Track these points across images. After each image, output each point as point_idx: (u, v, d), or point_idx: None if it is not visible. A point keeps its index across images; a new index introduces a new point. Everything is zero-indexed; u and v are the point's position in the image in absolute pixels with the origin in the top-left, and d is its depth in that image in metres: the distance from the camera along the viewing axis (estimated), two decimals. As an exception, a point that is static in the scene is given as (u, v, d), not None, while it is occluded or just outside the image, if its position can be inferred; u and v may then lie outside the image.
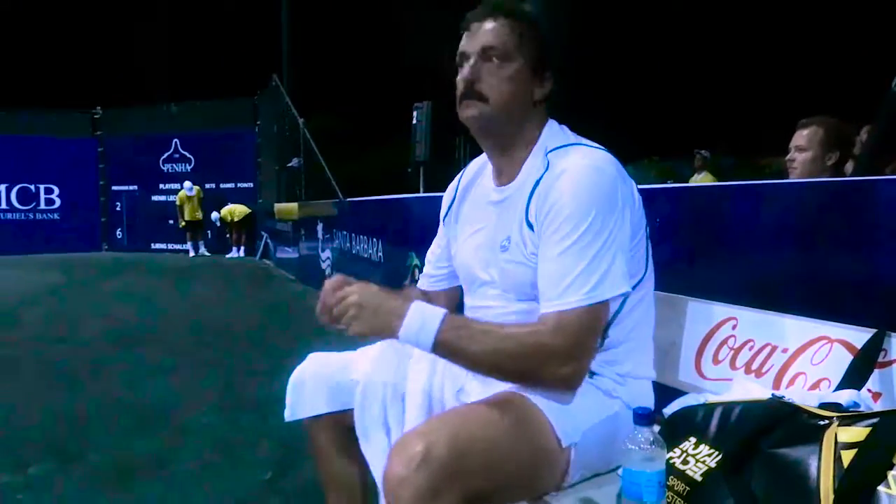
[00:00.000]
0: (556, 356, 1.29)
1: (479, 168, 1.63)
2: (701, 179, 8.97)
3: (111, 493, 2.68)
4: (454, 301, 1.77)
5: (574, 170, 1.36)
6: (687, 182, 8.79)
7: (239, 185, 15.18)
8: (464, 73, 1.44)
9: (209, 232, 15.45)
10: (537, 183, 1.40)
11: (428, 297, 1.73)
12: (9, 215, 16.49)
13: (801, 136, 2.68)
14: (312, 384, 1.67)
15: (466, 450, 1.21)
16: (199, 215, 15.04)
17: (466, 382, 1.51)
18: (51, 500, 2.62)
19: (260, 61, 16.37)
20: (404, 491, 1.17)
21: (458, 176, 1.70)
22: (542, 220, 1.37)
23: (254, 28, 19.79)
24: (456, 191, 1.68)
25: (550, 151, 1.43)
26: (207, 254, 15.26)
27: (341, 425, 1.64)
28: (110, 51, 22.10)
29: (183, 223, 15.17)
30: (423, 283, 1.77)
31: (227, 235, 14.87)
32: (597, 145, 1.44)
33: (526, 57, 1.44)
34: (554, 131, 1.49)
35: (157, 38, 22.48)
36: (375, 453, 1.53)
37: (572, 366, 1.31)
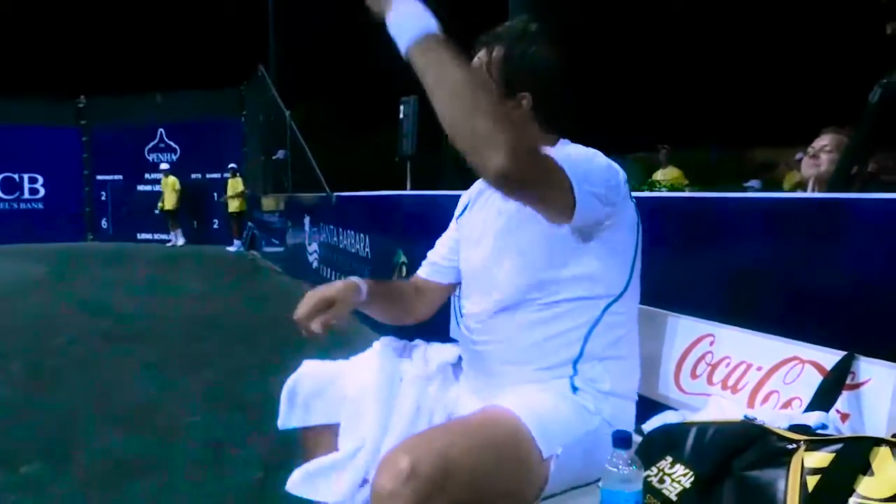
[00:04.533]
0: (511, 141, 1.19)
1: None
2: (668, 173, 9.02)
3: (102, 493, 2.73)
4: (445, 296, 1.84)
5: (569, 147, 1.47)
6: (652, 177, 8.85)
7: (224, 175, 15.08)
8: None
9: (216, 222, 15.37)
10: None
11: (422, 285, 1.81)
12: (-8, 204, 16.38)
13: (829, 139, 2.88)
14: (305, 394, 1.71)
15: (452, 465, 1.26)
16: (177, 205, 15.05)
17: (457, 409, 1.56)
18: (43, 501, 2.66)
19: (246, 50, 16.24)
20: None
21: (480, 180, 1.74)
22: None
23: (240, 17, 19.62)
24: (474, 194, 1.74)
25: None
26: (180, 244, 15.25)
27: (334, 435, 1.66)
28: (95, 39, 21.82)
29: (161, 206, 15.12)
30: (424, 270, 1.83)
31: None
32: None
33: (496, 84, 1.51)
34: (562, 147, 1.56)
35: (143, 27, 22.23)
36: (339, 458, 1.55)
37: (513, 161, 1.18)
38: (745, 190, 8.08)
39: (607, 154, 1.50)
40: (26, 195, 16.63)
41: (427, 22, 1.25)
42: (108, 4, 21.92)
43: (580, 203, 1.34)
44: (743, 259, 1.93)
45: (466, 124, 1.20)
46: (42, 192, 16.71)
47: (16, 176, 16.46)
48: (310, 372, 1.75)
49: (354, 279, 1.65)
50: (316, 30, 18.46)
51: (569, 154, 1.41)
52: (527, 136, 1.33)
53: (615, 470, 1.18)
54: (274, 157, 11.45)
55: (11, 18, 21.47)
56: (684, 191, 6.27)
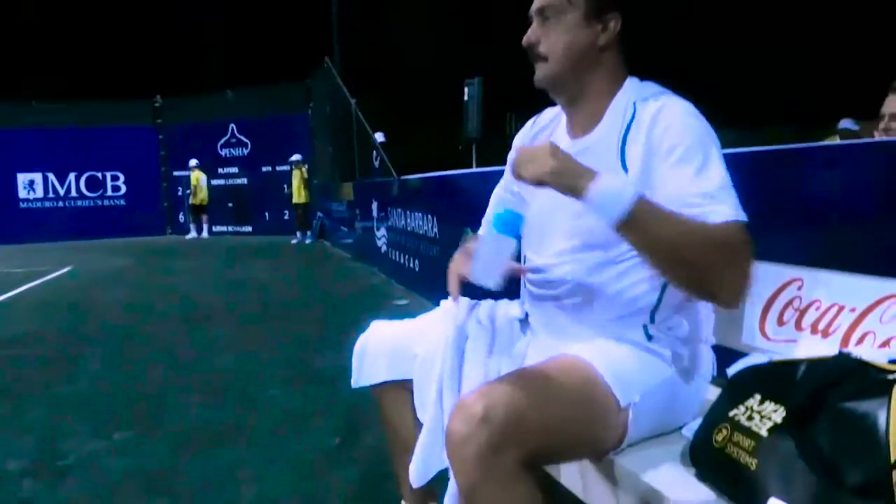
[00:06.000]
0: (740, 259, 1.28)
1: (554, 119, 1.63)
2: None
3: (189, 458, 2.83)
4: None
5: (675, 110, 1.38)
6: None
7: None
8: (525, 36, 1.48)
9: (286, 213, 15.80)
10: (628, 129, 1.42)
11: None
12: (79, 202, 17.26)
13: None
14: (374, 352, 1.73)
15: (526, 409, 1.25)
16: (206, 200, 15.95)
17: (525, 363, 1.54)
18: (135, 464, 2.78)
19: (311, 44, 16.58)
20: (467, 448, 1.22)
21: (532, 121, 1.71)
22: (645, 157, 1.37)
23: (305, 10, 20.01)
24: (529, 137, 1.68)
25: (639, 101, 1.43)
26: (191, 236, 15.99)
27: (405, 391, 1.68)
28: (168, 41, 22.70)
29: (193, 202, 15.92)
30: (485, 228, 1.79)
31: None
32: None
33: (579, 5, 1.44)
34: (639, 85, 1.49)
35: (213, 27, 22.96)
36: (424, 429, 1.55)
37: (747, 277, 1.28)
38: (837, 131, 7.61)
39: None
40: (109, 192, 17.46)
41: (627, 196, 1.23)
42: (177, 10, 22.72)
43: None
44: (830, 203, 1.85)
45: (688, 280, 1.30)
46: (123, 189, 17.51)
47: (99, 174, 17.31)
48: (378, 331, 1.76)
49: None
50: (379, 19, 18.61)
51: (706, 160, 1.33)
52: (742, 258, 1.28)
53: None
54: (379, 142, 11.16)
55: (90, 28, 22.54)
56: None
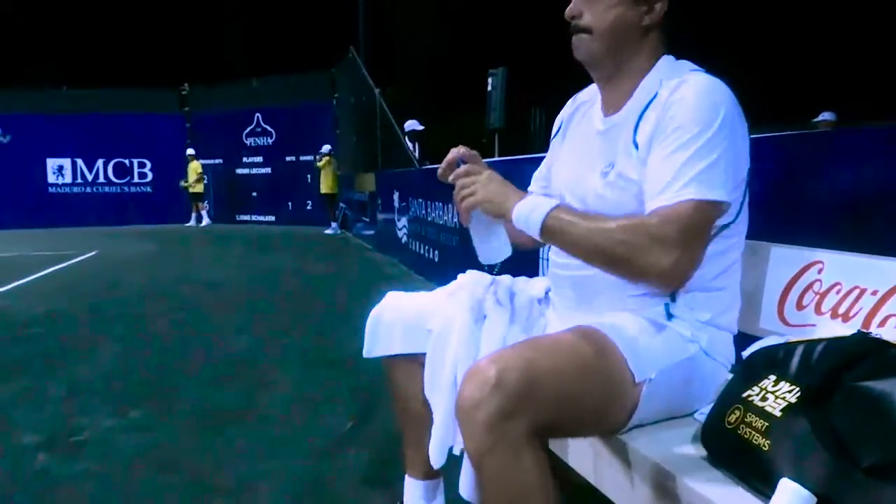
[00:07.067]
0: (660, 243, 1.28)
1: (593, 95, 1.62)
2: None
3: (203, 436, 2.85)
4: None
5: (690, 87, 1.36)
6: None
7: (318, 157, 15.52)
8: (568, 8, 1.45)
9: (309, 203, 15.88)
10: (647, 106, 1.40)
11: None
12: (106, 188, 17.52)
13: None
14: (388, 323, 1.71)
15: (539, 377, 1.23)
16: (200, 188, 16.24)
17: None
18: (148, 442, 2.80)
19: (337, 33, 16.58)
20: (478, 414, 1.20)
21: (572, 99, 1.71)
22: (651, 135, 1.37)
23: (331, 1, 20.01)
24: (567, 115, 1.69)
25: (665, 80, 1.41)
26: (203, 224, 16.27)
27: (418, 365, 1.65)
28: (196, 29, 22.87)
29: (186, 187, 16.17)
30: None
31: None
32: (715, 76, 1.42)
33: None
34: (672, 64, 1.47)
35: (239, 15, 23.09)
36: (439, 408, 1.52)
37: (675, 255, 1.28)
38: (815, 125, 7.41)
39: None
40: (136, 179, 17.69)
41: (538, 215, 1.37)
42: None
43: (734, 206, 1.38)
44: (849, 187, 1.79)
45: (620, 262, 1.33)
46: (150, 176, 17.72)
47: (126, 161, 17.53)
48: (393, 303, 1.75)
49: None
50: (405, 8, 18.54)
51: (716, 149, 1.31)
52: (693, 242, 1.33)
53: None
54: (410, 130, 10.87)
55: (120, 16, 22.78)
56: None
